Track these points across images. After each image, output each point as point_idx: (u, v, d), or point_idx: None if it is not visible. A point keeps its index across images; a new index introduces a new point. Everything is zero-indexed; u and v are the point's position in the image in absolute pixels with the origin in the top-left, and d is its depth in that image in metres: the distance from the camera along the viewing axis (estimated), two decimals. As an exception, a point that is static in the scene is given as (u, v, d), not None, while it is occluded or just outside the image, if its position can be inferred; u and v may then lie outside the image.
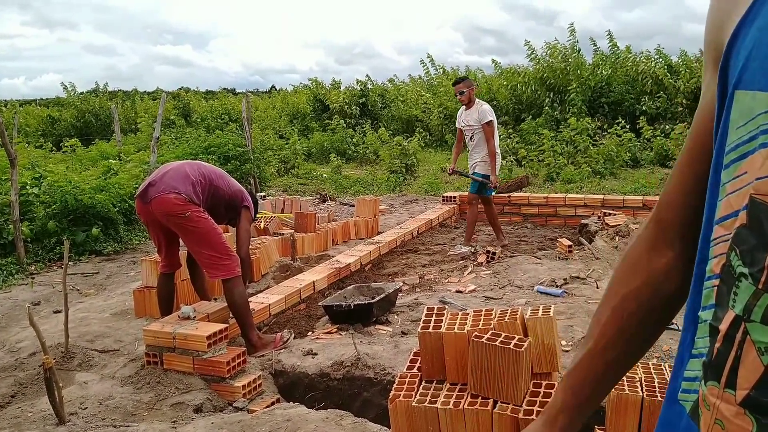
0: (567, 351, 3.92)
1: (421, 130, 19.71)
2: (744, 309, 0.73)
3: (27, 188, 7.73)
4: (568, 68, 17.43)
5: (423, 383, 2.89)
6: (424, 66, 24.67)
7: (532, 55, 18.64)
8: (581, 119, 14.19)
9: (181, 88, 30.50)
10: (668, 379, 0.83)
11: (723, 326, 0.75)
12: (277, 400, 3.80)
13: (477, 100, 6.94)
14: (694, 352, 0.84)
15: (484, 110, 6.82)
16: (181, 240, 4.46)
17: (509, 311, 2.91)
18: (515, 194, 9.32)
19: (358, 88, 22.33)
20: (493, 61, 23.69)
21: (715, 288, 0.79)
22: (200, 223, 4.19)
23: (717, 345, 0.77)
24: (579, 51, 18.11)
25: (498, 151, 6.99)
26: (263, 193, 10.33)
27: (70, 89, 26.36)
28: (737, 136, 0.75)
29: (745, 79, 0.74)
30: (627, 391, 2.64)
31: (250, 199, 4.74)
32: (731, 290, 0.75)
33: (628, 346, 1.01)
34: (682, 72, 16.55)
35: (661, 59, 17.62)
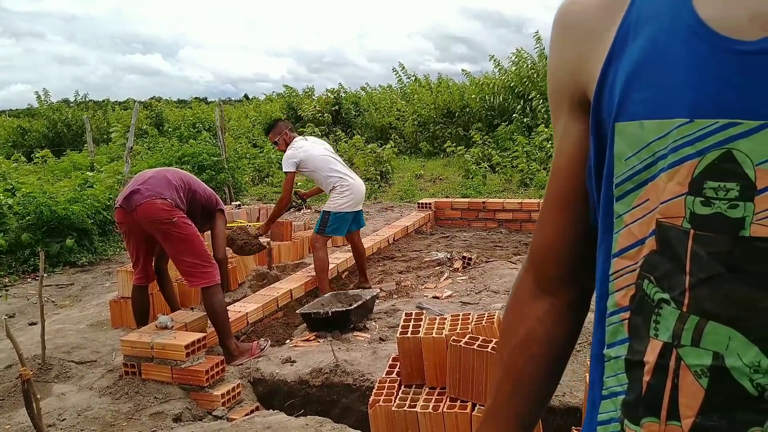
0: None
1: (396, 137, 19.79)
2: (672, 335, 0.72)
3: (0, 199, 7.65)
4: (535, 76, 17.62)
5: (402, 388, 2.93)
6: (396, 74, 24.81)
7: (498, 66, 18.88)
8: (550, 125, 14.35)
9: (152, 98, 30.28)
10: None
11: (649, 358, 0.73)
12: (257, 408, 3.81)
13: (294, 141, 5.95)
14: (605, 393, 0.81)
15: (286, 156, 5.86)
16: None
17: (486, 315, 2.96)
18: (489, 200, 9.40)
19: (332, 96, 22.36)
20: (463, 70, 23.83)
21: (626, 321, 0.77)
22: (185, 229, 4.19)
23: (646, 378, 0.74)
24: (546, 58, 18.28)
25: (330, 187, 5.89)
26: (238, 202, 10.30)
27: (43, 99, 26.05)
28: (628, 167, 0.75)
29: (628, 111, 0.74)
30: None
31: (222, 203, 4.78)
32: (650, 319, 0.74)
33: (526, 400, 0.97)
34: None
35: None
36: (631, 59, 0.74)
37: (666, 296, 0.72)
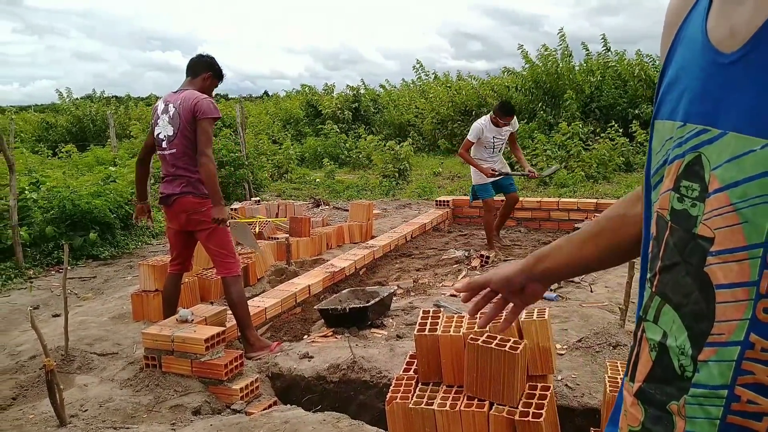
0: (562, 354, 3.98)
1: (415, 134, 19.78)
2: (643, 310, 0.84)
3: (25, 193, 7.77)
4: (560, 72, 17.52)
5: (419, 385, 2.95)
6: (416, 71, 24.79)
7: (527, 59, 18.73)
8: (573, 123, 14.28)
9: (174, 94, 30.41)
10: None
11: (634, 328, 0.87)
12: (275, 403, 3.84)
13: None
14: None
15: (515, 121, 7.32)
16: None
17: (504, 314, 2.97)
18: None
19: (351, 94, 22.39)
20: (473, 77, 23.17)
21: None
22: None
23: (632, 343, 0.88)
24: (571, 55, 18.21)
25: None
26: (258, 198, 10.35)
27: (65, 95, 26.35)
28: (656, 161, 0.85)
29: (661, 111, 0.84)
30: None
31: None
32: (642, 295, 0.87)
33: (593, 247, 1.16)
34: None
35: (650, 62, 17.72)
36: (676, 65, 0.83)
37: (648, 276, 0.84)
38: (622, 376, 1.07)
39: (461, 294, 1.39)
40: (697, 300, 0.75)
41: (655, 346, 0.80)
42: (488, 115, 7.19)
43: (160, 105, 4.38)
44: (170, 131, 4.26)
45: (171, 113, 4.25)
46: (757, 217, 0.69)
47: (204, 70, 4.44)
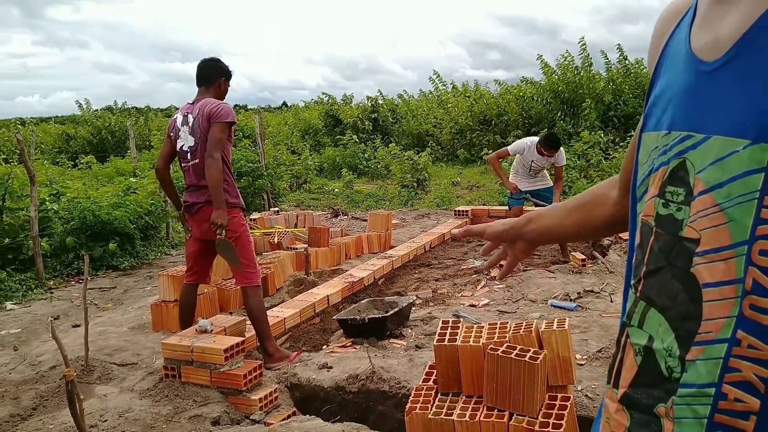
0: (582, 365, 3.94)
1: (433, 144, 19.78)
2: (627, 315, 0.85)
3: (46, 204, 7.85)
4: (580, 81, 17.45)
5: (439, 396, 2.93)
6: (432, 82, 24.82)
7: (546, 68, 18.67)
8: (594, 133, 14.21)
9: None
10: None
11: (618, 334, 0.88)
12: (294, 413, 3.83)
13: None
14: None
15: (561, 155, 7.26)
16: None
17: (524, 324, 2.95)
18: (527, 208, 9.34)
19: (369, 104, 22.45)
20: (496, 81, 23.16)
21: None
22: (238, 228, 4.31)
23: (615, 350, 0.89)
24: (591, 65, 18.15)
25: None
26: (276, 209, 10.39)
27: (85, 107, 26.65)
28: (642, 173, 0.87)
29: (648, 123, 0.87)
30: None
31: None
32: (625, 302, 0.88)
33: (579, 215, 1.24)
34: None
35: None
36: (664, 80, 0.86)
37: (632, 282, 0.86)
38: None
39: (459, 234, 1.50)
40: (684, 301, 0.77)
41: (640, 351, 0.81)
42: (537, 138, 7.24)
43: (179, 117, 4.37)
44: (191, 142, 4.26)
45: (191, 124, 4.25)
46: (741, 215, 0.71)
47: (218, 76, 4.42)
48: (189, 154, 4.29)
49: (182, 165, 4.38)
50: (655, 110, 0.85)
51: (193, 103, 4.35)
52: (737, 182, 0.71)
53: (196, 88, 4.42)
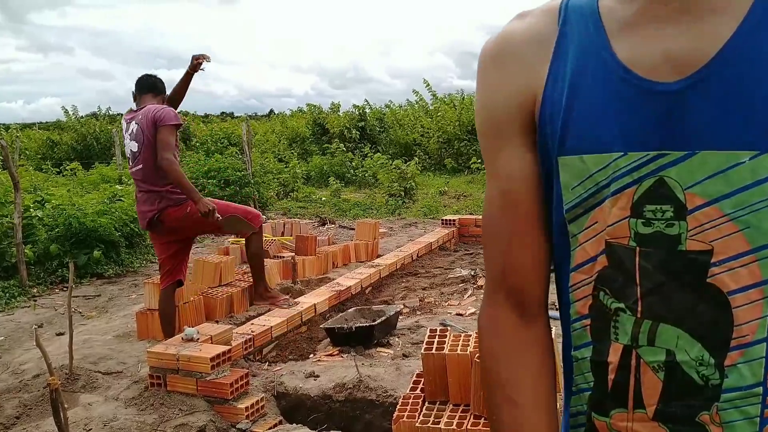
0: (568, 373, 3.95)
1: (421, 153, 19.81)
2: (631, 338, 0.82)
3: (30, 211, 7.78)
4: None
5: (426, 404, 2.93)
6: (416, 94, 24.86)
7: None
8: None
9: (180, 112, 30.61)
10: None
11: (613, 358, 0.84)
12: (280, 422, 3.81)
13: None
14: (574, 389, 0.92)
15: None
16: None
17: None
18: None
19: (357, 113, 22.46)
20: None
21: (588, 327, 0.87)
22: (204, 209, 4.28)
23: (611, 376, 0.85)
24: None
25: None
26: (264, 217, 10.37)
27: (71, 113, 26.46)
28: (575, 195, 0.84)
29: (568, 147, 0.83)
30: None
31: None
32: (610, 325, 0.84)
33: (540, 409, 0.95)
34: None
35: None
36: (566, 99, 0.83)
37: (621, 305, 0.82)
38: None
39: None
40: (705, 311, 0.77)
41: (660, 367, 0.81)
42: None
43: (123, 125, 4.46)
44: (135, 147, 4.30)
45: (134, 130, 4.29)
46: (758, 221, 0.74)
47: (163, 89, 4.60)
48: (132, 159, 4.35)
49: (130, 171, 4.47)
50: (576, 134, 0.82)
51: (136, 110, 4.41)
52: (751, 191, 0.74)
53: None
